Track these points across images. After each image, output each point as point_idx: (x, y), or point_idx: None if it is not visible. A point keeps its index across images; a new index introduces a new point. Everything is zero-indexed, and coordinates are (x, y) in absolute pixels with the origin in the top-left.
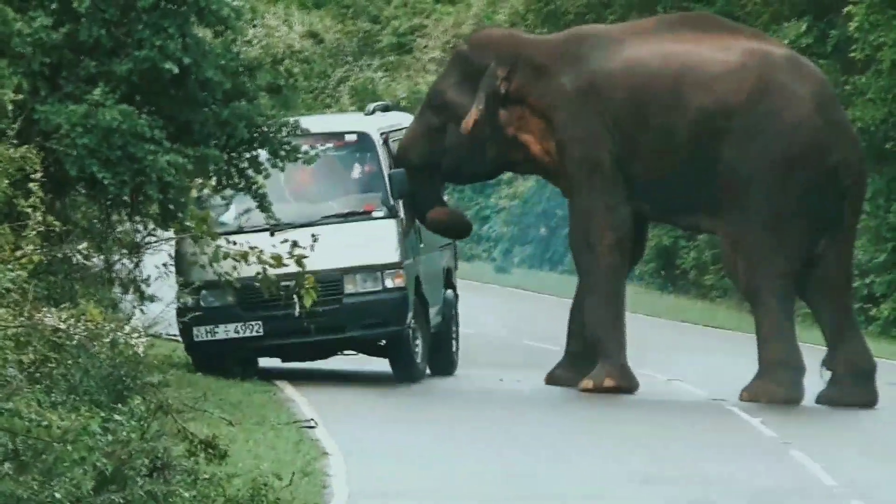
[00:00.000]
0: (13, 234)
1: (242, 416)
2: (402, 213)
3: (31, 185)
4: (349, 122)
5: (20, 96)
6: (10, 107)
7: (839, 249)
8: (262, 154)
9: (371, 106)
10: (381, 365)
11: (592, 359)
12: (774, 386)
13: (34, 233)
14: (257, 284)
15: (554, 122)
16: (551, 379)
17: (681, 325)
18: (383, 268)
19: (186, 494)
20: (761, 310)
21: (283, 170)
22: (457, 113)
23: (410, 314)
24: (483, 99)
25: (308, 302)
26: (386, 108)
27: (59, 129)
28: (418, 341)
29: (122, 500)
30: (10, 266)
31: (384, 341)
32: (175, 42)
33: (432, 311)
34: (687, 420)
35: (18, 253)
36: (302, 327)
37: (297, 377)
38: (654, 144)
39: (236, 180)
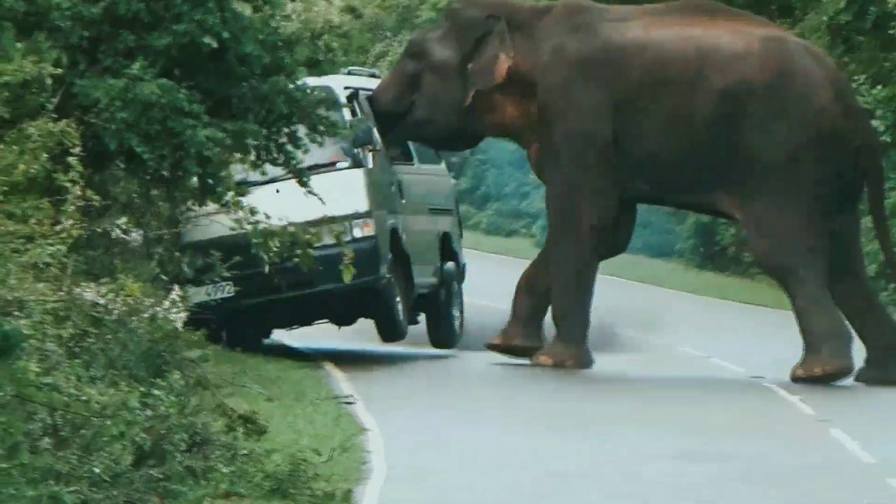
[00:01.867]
0: (52, 209)
1: (281, 391)
2: (370, 164)
3: (70, 159)
4: (317, 80)
5: (59, 70)
6: (49, 81)
7: (854, 231)
8: (301, 128)
9: (353, 68)
10: (417, 345)
11: (539, 323)
12: (826, 358)
13: (73, 207)
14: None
15: (541, 84)
16: (499, 339)
17: (719, 303)
18: (351, 217)
19: (225, 470)
20: (795, 286)
21: (321, 144)
22: (434, 63)
23: (384, 266)
24: (510, 47)
25: (347, 278)
26: (372, 76)
27: (97, 103)
28: (398, 298)
29: (160, 475)
30: (49, 241)
31: (356, 303)
32: (214, 16)
33: (423, 274)
34: (725, 397)
35: (58, 227)
36: (273, 285)
37: (335, 356)
38: (667, 124)
39: (275, 155)
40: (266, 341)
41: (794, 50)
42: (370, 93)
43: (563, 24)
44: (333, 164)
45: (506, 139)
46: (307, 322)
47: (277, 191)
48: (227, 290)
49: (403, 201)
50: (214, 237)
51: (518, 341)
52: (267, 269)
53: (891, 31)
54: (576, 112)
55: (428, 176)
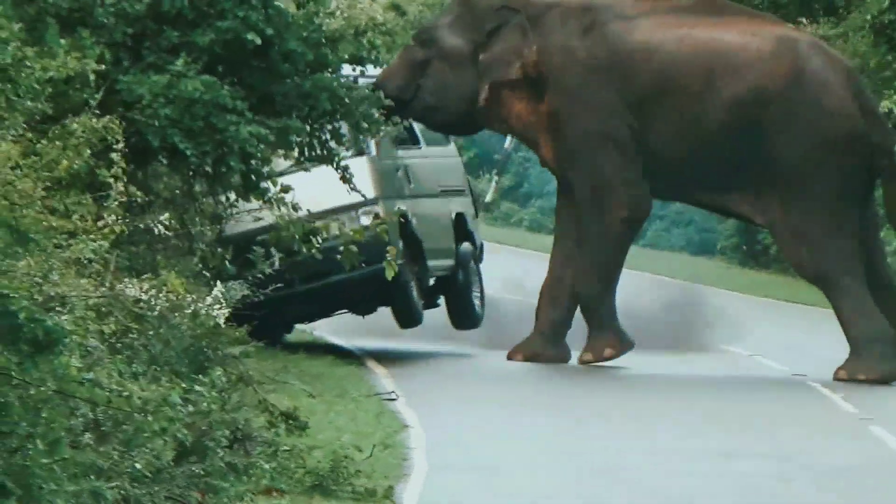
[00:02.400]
0: (95, 205)
1: (323, 388)
2: (373, 151)
3: (113, 155)
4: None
5: (102, 67)
6: (92, 77)
7: (873, 227)
8: (344, 126)
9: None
10: (460, 343)
11: (565, 331)
12: (871, 363)
13: (116, 203)
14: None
15: (553, 85)
16: (520, 353)
17: (762, 301)
18: (357, 206)
19: (267, 466)
20: (837, 292)
21: (364, 143)
22: (444, 50)
23: (395, 251)
24: (532, 43)
25: (390, 274)
26: None
27: (141, 99)
28: (412, 283)
29: (202, 471)
30: (91, 236)
31: (372, 292)
32: (258, 13)
33: (438, 257)
34: (767, 395)
35: (100, 223)
36: (286, 280)
37: (376, 353)
38: (680, 128)
39: (318, 152)
40: (309, 339)
41: (807, 51)
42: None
43: (571, 22)
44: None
45: (507, 134)
46: (326, 314)
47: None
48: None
49: (412, 185)
50: (238, 232)
51: (540, 352)
52: (276, 262)
53: None
54: (590, 114)
55: (436, 158)
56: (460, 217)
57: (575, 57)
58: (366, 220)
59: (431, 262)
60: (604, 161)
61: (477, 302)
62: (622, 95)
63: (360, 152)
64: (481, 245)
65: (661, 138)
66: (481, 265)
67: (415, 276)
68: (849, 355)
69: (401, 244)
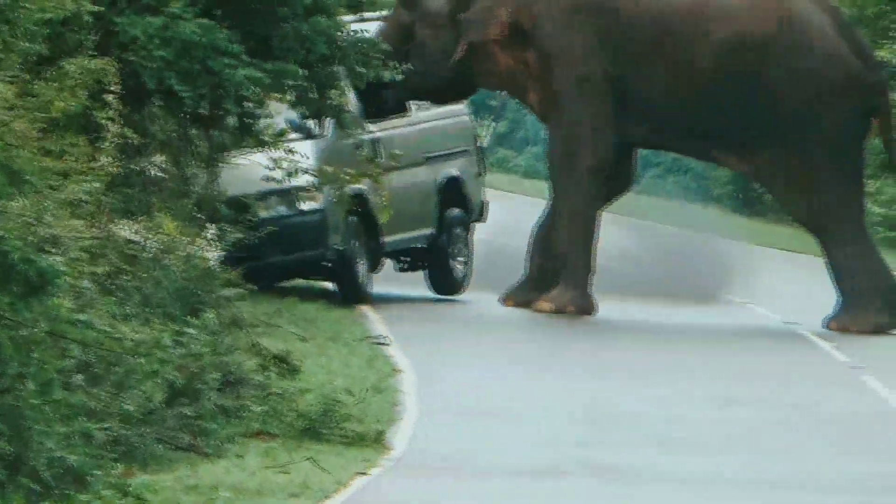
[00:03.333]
0: (90, 146)
1: (316, 331)
2: (326, 133)
3: (108, 97)
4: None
5: (98, 8)
6: (88, 18)
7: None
8: (340, 70)
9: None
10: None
11: (555, 279)
12: (863, 315)
13: (111, 145)
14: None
15: (538, 34)
16: (511, 299)
17: (756, 249)
18: (298, 190)
19: (257, 409)
20: (834, 241)
21: (361, 87)
22: (425, 12)
23: (335, 237)
24: (509, 3)
25: (384, 218)
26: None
27: (136, 41)
28: (359, 263)
29: (192, 414)
30: (86, 177)
31: (317, 270)
32: None
33: (413, 228)
34: (762, 344)
35: (95, 165)
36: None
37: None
38: (667, 73)
39: (313, 95)
40: (303, 282)
41: None
42: None
43: None
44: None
45: (499, 90)
46: (277, 281)
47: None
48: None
49: (381, 160)
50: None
51: (529, 298)
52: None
53: None
54: (571, 57)
55: (429, 122)
56: (453, 181)
57: (558, 4)
58: (305, 205)
59: (401, 235)
60: (580, 107)
61: (459, 267)
62: (607, 38)
63: (309, 135)
64: (482, 205)
65: (650, 84)
66: (482, 223)
67: (364, 254)
68: (840, 306)
69: (351, 225)
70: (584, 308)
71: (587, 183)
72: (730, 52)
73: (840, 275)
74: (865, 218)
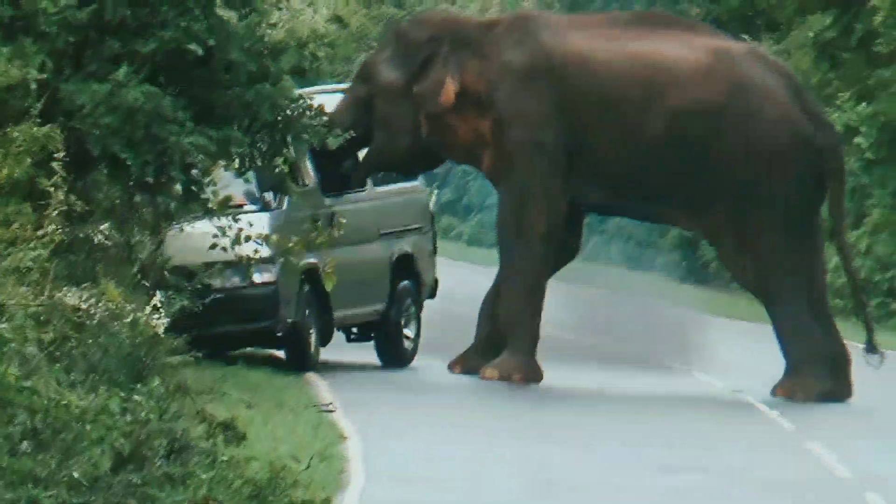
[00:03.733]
0: (35, 214)
1: (262, 398)
2: (283, 206)
3: (53, 164)
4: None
5: (44, 75)
6: (34, 86)
7: (819, 241)
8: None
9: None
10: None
11: (502, 347)
12: (808, 382)
13: (56, 212)
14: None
15: (493, 99)
16: (458, 366)
17: (701, 317)
18: (250, 262)
19: (204, 476)
20: (779, 309)
21: (304, 154)
22: (382, 85)
23: (287, 310)
24: (455, 69)
25: (329, 285)
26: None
27: (82, 108)
28: (312, 331)
29: (139, 481)
30: (31, 245)
31: (268, 340)
32: (200, 23)
33: (364, 303)
34: (705, 411)
35: (40, 232)
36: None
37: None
38: (619, 140)
39: (259, 163)
40: (249, 349)
41: (744, 60)
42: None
43: (508, 37)
44: (240, 206)
45: (464, 163)
46: (229, 349)
47: (181, 229)
48: None
49: (336, 234)
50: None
51: (476, 365)
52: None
53: (876, 49)
54: (524, 121)
55: (386, 198)
56: (406, 257)
57: (511, 68)
58: (259, 278)
59: (354, 310)
60: (533, 173)
61: (408, 341)
62: (559, 102)
63: (264, 208)
64: (435, 282)
65: (601, 149)
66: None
67: (315, 326)
68: (786, 373)
69: (303, 297)
70: (530, 376)
71: (537, 250)
72: (682, 119)
73: (784, 341)
74: (821, 283)
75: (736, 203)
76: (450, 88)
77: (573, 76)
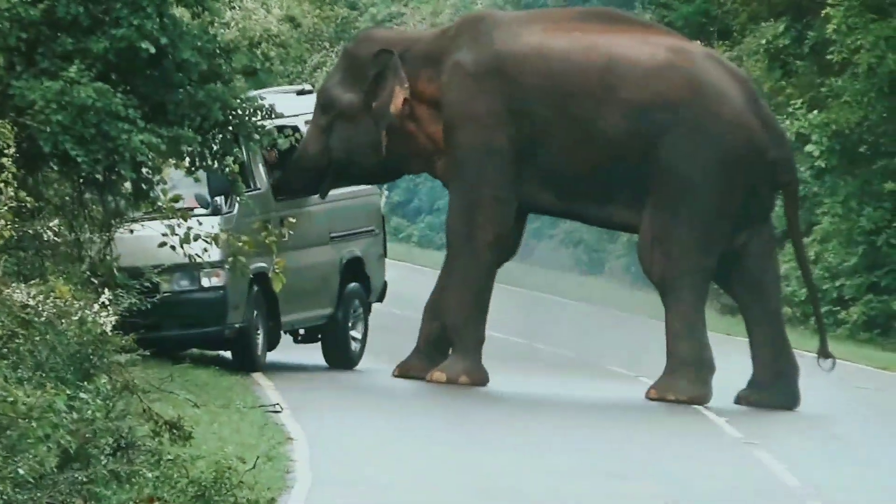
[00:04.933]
0: None
1: (208, 398)
2: (233, 210)
3: (3, 160)
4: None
5: None
6: None
7: (767, 246)
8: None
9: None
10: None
11: (446, 349)
12: (684, 383)
13: (5, 208)
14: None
15: (444, 102)
16: (403, 370)
17: (650, 322)
18: (202, 267)
19: (150, 475)
20: (675, 305)
21: (255, 153)
22: (341, 108)
23: (235, 313)
24: (404, 80)
25: (277, 287)
26: (301, 92)
27: (33, 105)
28: (257, 336)
29: (85, 479)
30: None
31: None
32: (152, 21)
33: (312, 307)
34: (653, 417)
35: None
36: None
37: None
38: (574, 135)
39: (209, 162)
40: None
41: (703, 61)
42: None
43: (461, 39)
44: (191, 209)
45: (422, 172)
46: (178, 350)
47: (131, 231)
48: None
49: (285, 238)
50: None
51: (421, 369)
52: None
53: (828, 57)
54: (474, 123)
55: (337, 202)
56: (356, 260)
57: (463, 70)
58: (207, 282)
59: (301, 314)
60: (482, 178)
61: (355, 344)
62: (509, 102)
63: (215, 212)
64: (384, 286)
65: (555, 146)
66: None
67: (262, 329)
68: (663, 372)
69: (252, 301)
70: (477, 379)
71: (485, 253)
72: (639, 113)
73: (671, 339)
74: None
75: (668, 198)
76: (399, 96)
77: (527, 73)
